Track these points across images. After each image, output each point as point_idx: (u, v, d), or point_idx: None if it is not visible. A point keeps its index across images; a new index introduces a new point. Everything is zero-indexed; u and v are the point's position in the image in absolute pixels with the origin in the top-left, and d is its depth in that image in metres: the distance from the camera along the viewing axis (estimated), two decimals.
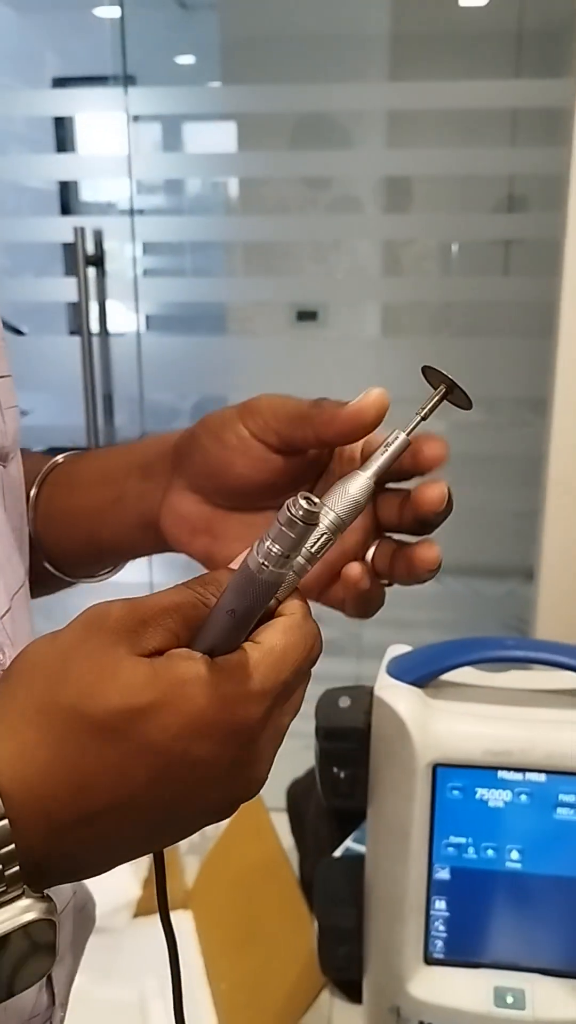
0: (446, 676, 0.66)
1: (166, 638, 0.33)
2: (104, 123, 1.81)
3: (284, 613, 0.36)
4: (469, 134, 1.99)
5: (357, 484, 0.39)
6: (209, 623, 0.34)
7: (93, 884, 1.48)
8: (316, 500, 0.32)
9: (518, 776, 0.62)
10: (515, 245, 2.14)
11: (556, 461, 1.44)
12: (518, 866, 0.64)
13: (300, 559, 0.36)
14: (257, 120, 2.24)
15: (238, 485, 0.45)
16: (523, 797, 0.63)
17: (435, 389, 0.42)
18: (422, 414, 0.41)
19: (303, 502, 0.31)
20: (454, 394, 0.42)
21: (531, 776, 0.62)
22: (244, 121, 2.39)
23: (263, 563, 0.32)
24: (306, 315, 2.19)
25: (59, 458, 0.54)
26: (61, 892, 0.48)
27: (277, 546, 0.32)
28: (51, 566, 0.54)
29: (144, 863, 1.59)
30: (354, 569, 0.45)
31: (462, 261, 2.41)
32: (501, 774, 0.62)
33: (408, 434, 0.41)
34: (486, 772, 0.63)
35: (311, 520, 0.32)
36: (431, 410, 0.41)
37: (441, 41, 2.20)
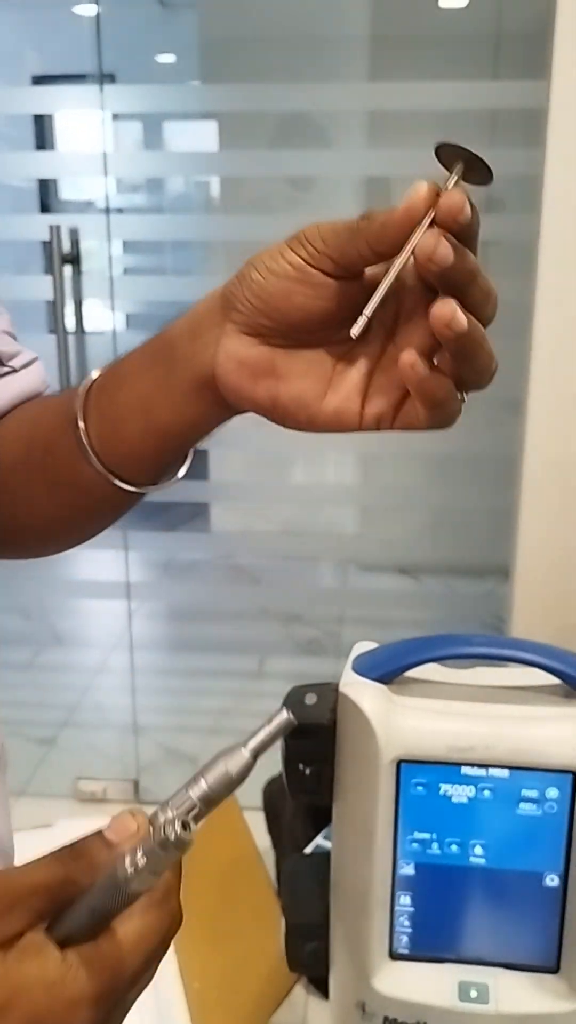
0: (412, 672, 0.67)
1: (28, 919, 0.33)
2: (83, 121, 1.81)
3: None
4: (448, 135, 2.00)
5: (236, 761, 0.38)
6: (72, 913, 0.34)
7: None
8: (193, 827, 0.32)
9: (481, 772, 0.63)
10: (491, 246, 2.15)
11: (530, 460, 1.46)
12: (482, 861, 0.64)
13: (174, 832, 0.35)
14: (238, 120, 2.24)
15: (298, 317, 0.44)
16: (486, 793, 0.63)
17: (449, 170, 0.40)
18: (451, 185, 0.40)
19: (179, 827, 0.32)
20: (473, 171, 0.40)
21: (494, 772, 0.62)
22: (225, 121, 2.39)
23: (131, 873, 0.33)
24: None
25: (93, 373, 0.54)
26: None
27: (148, 862, 0.33)
28: (117, 478, 0.53)
29: None
30: (407, 355, 0.43)
31: None
32: (464, 770, 0.63)
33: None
34: (450, 768, 0.63)
35: (183, 847, 0.32)
36: (455, 184, 0.40)
37: (421, 42, 2.21)
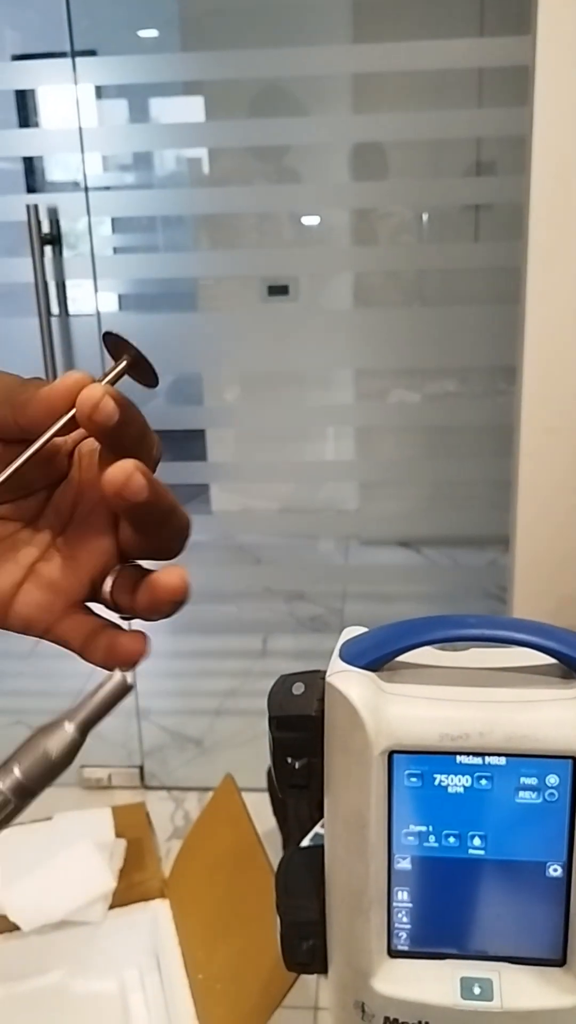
0: (403, 658, 0.64)
1: None
2: (65, 98, 1.76)
3: None
4: (436, 96, 1.94)
5: (57, 740, 0.32)
6: None
7: (65, 879, 1.46)
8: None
9: (477, 760, 0.60)
10: (484, 211, 2.11)
11: (527, 429, 1.42)
12: (481, 852, 0.61)
13: None
14: (223, 93, 2.19)
15: None
16: (483, 782, 0.60)
17: (116, 361, 0.38)
18: (105, 380, 0.37)
19: None
20: (138, 368, 0.37)
21: (491, 760, 0.59)
22: (210, 95, 2.33)
23: None
24: (277, 290, 2.15)
25: None
26: None
27: None
28: None
29: (119, 853, 1.58)
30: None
31: (433, 228, 2.37)
32: (460, 759, 0.60)
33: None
34: (444, 757, 0.60)
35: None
36: (114, 380, 0.37)
37: (404, 1, 2.15)
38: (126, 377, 0.37)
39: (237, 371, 2.36)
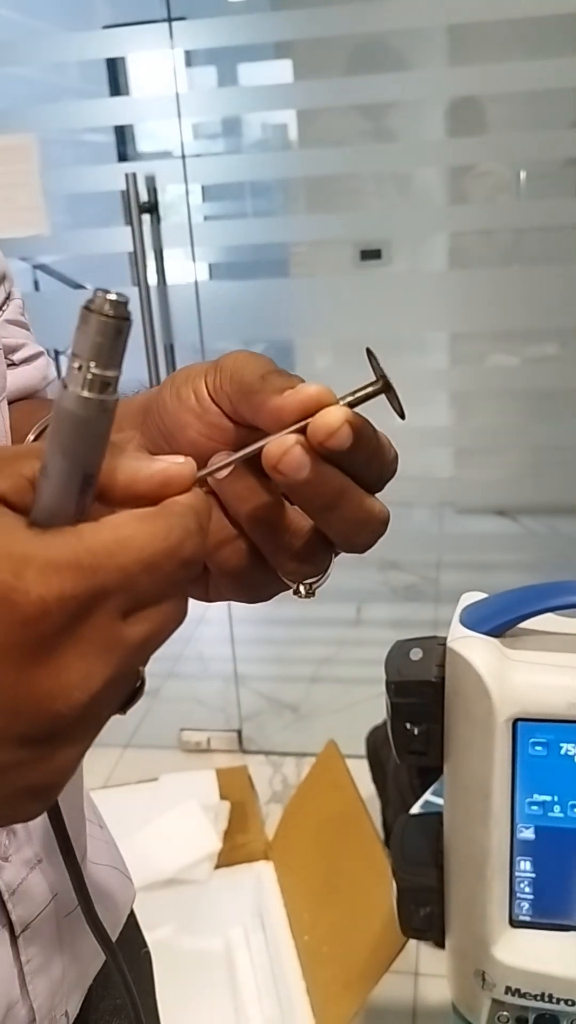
0: (525, 624, 0.62)
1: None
2: (156, 65, 1.76)
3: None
4: (535, 45, 1.86)
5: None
6: (37, 493, 0.27)
7: (173, 838, 1.49)
8: (124, 296, 0.24)
9: None
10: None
11: None
12: None
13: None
14: (311, 55, 2.14)
15: (191, 453, 0.37)
16: None
17: (375, 376, 0.35)
18: (346, 401, 0.35)
19: (99, 291, 0.24)
20: (386, 396, 0.35)
21: None
22: (299, 57, 2.29)
23: (68, 388, 0.25)
24: (370, 254, 2.12)
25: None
26: (37, 896, 0.44)
27: (77, 359, 0.24)
28: None
29: (223, 815, 1.60)
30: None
31: (531, 185, 2.29)
32: None
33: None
34: (571, 726, 0.58)
35: (117, 313, 0.24)
36: (358, 402, 0.35)
37: None
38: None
39: (329, 337, 2.34)
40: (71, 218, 2.25)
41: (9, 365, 0.59)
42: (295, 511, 0.36)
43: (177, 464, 0.30)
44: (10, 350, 0.59)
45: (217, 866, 1.50)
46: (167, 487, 0.29)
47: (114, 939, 0.47)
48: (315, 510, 0.35)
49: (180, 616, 0.29)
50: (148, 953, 0.64)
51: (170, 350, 1.82)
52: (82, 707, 0.26)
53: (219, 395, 0.38)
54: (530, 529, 2.60)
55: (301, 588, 0.38)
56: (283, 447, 0.33)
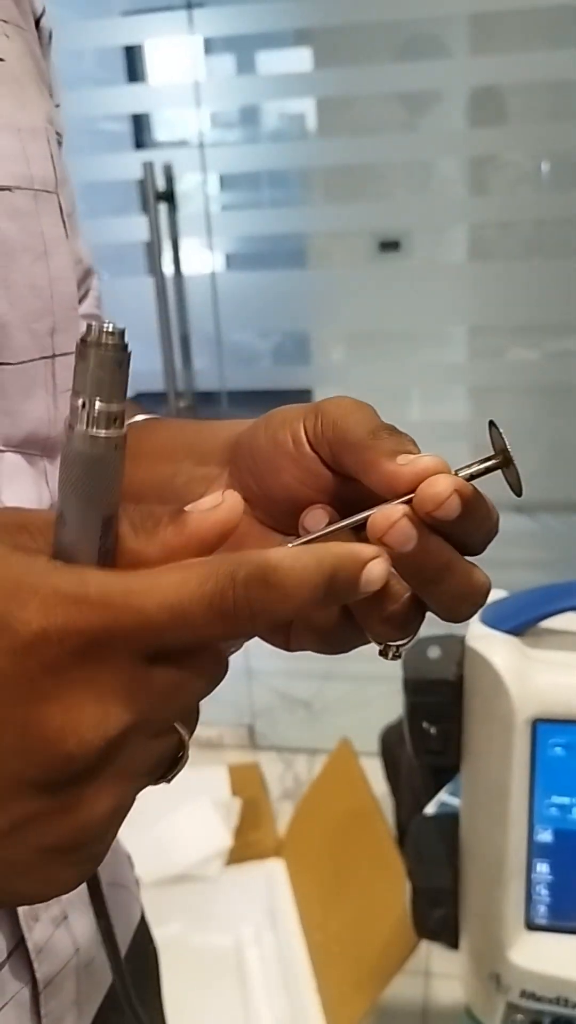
0: (546, 623, 0.60)
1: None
2: (174, 53, 1.74)
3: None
4: (559, 35, 1.83)
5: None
6: (55, 538, 0.26)
7: (184, 834, 1.48)
8: (120, 326, 0.24)
9: None
10: None
11: None
12: None
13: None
14: (331, 44, 2.12)
15: (282, 498, 0.37)
16: None
17: (495, 449, 0.34)
18: (463, 474, 0.34)
19: (95, 324, 0.24)
20: (505, 471, 0.34)
21: None
22: (319, 45, 2.27)
23: (74, 429, 0.24)
24: (388, 245, 2.09)
25: (139, 417, 0.49)
26: (62, 952, 0.44)
27: (79, 396, 0.24)
28: None
29: (234, 811, 1.59)
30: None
31: (553, 177, 2.26)
32: None
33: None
34: None
35: (115, 344, 0.23)
36: (474, 476, 0.34)
37: None
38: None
39: (346, 329, 2.32)
40: (87, 206, 2.24)
41: None
42: (393, 575, 0.35)
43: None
44: None
45: (228, 863, 1.49)
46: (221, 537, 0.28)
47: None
48: (419, 582, 0.34)
49: (217, 669, 0.28)
50: (155, 950, 0.63)
51: (185, 341, 1.80)
52: (97, 750, 0.25)
53: (318, 442, 0.36)
54: (548, 527, 2.57)
55: (389, 651, 0.37)
56: (390, 519, 0.32)
